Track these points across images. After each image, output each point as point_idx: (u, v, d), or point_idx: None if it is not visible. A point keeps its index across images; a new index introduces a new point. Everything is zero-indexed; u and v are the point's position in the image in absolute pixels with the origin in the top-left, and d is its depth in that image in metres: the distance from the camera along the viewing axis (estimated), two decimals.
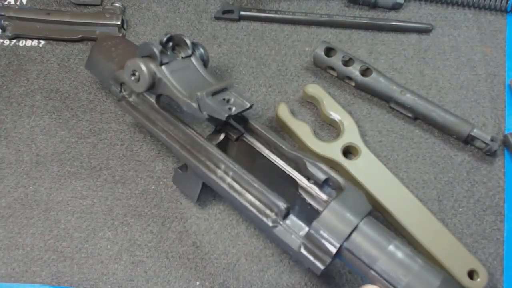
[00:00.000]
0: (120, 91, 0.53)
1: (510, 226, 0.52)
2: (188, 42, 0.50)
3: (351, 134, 0.54)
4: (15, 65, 0.61)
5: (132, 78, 0.48)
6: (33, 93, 0.59)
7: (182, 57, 0.50)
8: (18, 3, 0.65)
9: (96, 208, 0.53)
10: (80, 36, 0.62)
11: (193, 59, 0.51)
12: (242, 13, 0.63)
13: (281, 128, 0.57)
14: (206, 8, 0.64)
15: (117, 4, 0.63)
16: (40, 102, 0.59)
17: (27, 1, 0.65)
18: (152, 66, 0.48)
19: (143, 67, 0.47)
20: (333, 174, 0.46)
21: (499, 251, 0.50)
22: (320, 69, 0.60)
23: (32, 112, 0.58)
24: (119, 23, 0.62)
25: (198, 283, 0.49)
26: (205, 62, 0.52)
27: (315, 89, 0.56)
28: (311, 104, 0.58)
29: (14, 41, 0.63)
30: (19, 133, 0.57)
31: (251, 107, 0.48)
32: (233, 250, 0.51)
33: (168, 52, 0.49)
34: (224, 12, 0.63)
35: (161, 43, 0.49)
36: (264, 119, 0.57)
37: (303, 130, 0.54)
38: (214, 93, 0.47)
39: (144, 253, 0.51)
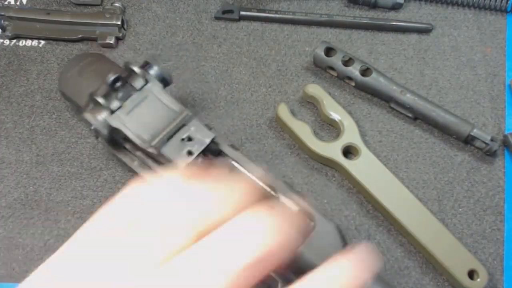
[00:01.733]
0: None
1: (510, 226, 0.52)
2: (137, 70, 0.45)
3: (351, 134, 0.54)
4: (15, 65, 0.61)
5: (92, 128, 0.45)
6: (33, 93, 0.59)
7: (137, 89, 0.45)
8: (18, 3, 0.65)
9: (97, 208, 0.53)
10: (80, 36, 0.62)
11: (150, 85, 0.46)
12: (242, 13, 0.63)
13: (281, 128, 0.57)
14: (206, 8, 0.64)
15: (117, 4, 0.63)
16: (40, 102, 0.59)
17: (27, 1, 0.65)
18: (104, 117, 0.44)
19: (94, 123, 0.44)
20: (305, 206, 0.43)
21: (499, 251, 0.51)
22: (320, 69, 0.60)
23: (32, 112, 0.58)
24: (119, 23, 0.62)
25: None
26: (166, 80, 0.48)
27: (315, 89, 0.56)
28: (311, 104, 0.58)
29: (14, 41, 0.63)
30: (19, 133, 0.57)
31: (213, 140, 0.44)
32: None
33: (120, 93, 0.45)
34: (224, 12, 0.63)
35: (108, 85, 0.45)
36: (264, 119, 0.57)
37: (303, 130, 0.54)
38: (171, 136, 0.44)
39: None
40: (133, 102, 0.45)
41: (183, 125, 0.45)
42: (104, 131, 0.44)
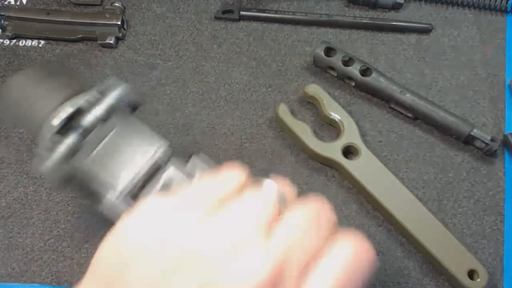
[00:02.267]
0: None
1: (510, 226, 0.52)
2: (96, 98, 0.36)
3: (351, 134, 0.54)
4: (15, 65, 0.61)
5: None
6: None
7: (100, 121, 0.36)
8: (18, 3, 0.65)
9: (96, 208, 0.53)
10: (80, 36, 0.62)
11: (115, 116, 0.37)
12: (242, 13, 0.63)
13: (281, 128, 0.57)
14: (206, 8, 0.64)
15: (117, 4, 0.63)
16: None
17: (27, 1, 0.65)
18: (57, 160, 0.35)
19: (45, 171, 0.35)
20: None
21: (499, 251, 0.50)
22: (320, 69, 0.60)
23: None
24: (119, 23, 0.62)
25: None
26: (134, 104, 0.39)
27: (315, 89, 0.56)
28: (311, 104, 0.58)
29: (14, 41, 0.63)
30: (19, 133, 0.57)
31: None
32: None
33: (76, 129, 0.35)
34: (224, 12, 0.63)
35: (56, 131, 0.35)
36: (264, 119, 0.57)
37: (303, 130, 0.54)
38: (145, 182, 0.36)
39: None
40: (95, 139, 0.36)
41: (159, 167, 0.36)
42: (58, 179, 0.35)
